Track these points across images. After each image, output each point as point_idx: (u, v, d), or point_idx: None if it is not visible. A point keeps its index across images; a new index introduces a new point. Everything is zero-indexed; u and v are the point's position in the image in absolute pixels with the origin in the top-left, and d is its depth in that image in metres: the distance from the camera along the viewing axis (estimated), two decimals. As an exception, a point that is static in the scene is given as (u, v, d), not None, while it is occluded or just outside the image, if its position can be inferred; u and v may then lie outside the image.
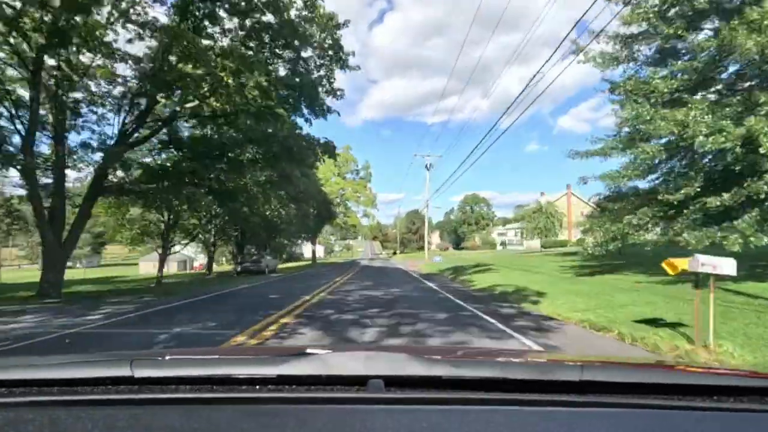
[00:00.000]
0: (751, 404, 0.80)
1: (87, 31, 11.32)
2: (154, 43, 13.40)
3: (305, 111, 15.87)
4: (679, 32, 11.07)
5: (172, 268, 63.21)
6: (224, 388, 0.88)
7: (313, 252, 48.84)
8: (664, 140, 11.50)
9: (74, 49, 12.50)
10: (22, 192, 17.27)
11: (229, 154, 16.71)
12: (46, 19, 11.06)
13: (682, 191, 10.28)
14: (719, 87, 11.51)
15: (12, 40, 11.95)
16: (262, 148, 16.70)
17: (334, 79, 15.67)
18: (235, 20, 14.00)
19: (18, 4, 10.82)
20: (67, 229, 14.86)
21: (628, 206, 12.70)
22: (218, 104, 14.15)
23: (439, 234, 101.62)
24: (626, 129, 12.89)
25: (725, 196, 9.39)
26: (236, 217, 22.88)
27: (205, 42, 13.47)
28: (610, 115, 14.00)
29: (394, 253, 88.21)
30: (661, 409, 0.79)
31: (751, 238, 8.90)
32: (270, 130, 15.83)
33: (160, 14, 13.72)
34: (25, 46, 12.41)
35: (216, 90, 13.28)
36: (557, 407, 0.79)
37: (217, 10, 13.51)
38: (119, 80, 14.65)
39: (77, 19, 10.95)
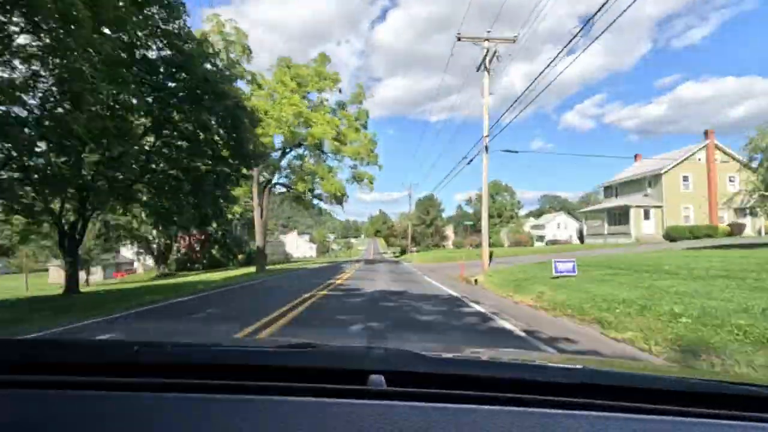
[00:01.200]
0: (753, 413, 0.79)
1: None
2: None
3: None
4: None
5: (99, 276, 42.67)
6: (227, 378, 0.88)
7: (259, 249, 26.47)
8: None
9: None
10: None
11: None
12: None
13: None
14: None
15: None
16: None
17: None
18: None
19: None
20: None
21: None
22: None
23: (453, 229, 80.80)
24: None
25: None
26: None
27: None
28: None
29: (403, 252, 67.26)
30: (661, 414, 0.78)
31: None
32: None
33: None
34: None
35: None
36: (558, 409, 0.79)
37: None
38: None
39: None
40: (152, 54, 10.43)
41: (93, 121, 8.12)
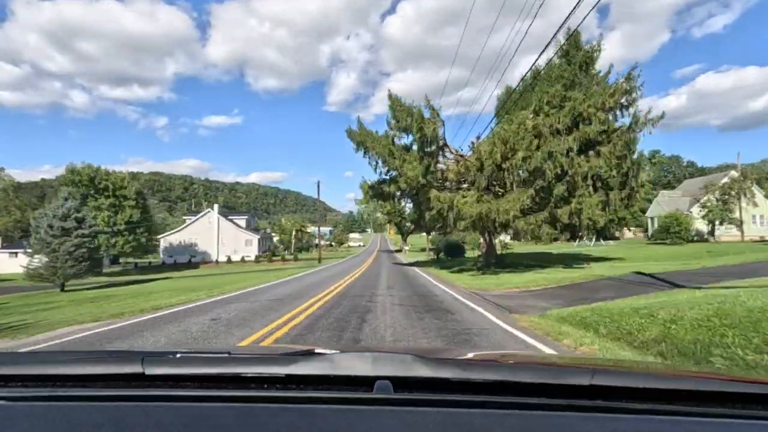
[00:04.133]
0: (764, 412, 0.78)
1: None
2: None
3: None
4: None
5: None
6: (233, 387, 0.89)
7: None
8: None
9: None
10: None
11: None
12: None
13: None
14: None
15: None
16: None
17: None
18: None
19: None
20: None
21: None
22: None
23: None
24: None
25: None
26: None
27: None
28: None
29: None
30: (671, 415, 0.77)
31: None
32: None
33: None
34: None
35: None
36: (566, 411, 0.78)
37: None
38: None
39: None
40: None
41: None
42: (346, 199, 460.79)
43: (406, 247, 62.44)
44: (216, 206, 51.16)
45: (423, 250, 64.68)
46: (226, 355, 1.14)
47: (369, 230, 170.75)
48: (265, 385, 0.89)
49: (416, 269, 23.79)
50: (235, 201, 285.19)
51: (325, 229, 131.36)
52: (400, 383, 0.85)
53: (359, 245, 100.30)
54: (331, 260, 42.76)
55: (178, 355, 1.05)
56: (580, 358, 2.17)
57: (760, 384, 0.87)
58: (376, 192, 24.17)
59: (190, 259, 48.15)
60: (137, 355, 1.00)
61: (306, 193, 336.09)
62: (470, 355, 1.39)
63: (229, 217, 53.26)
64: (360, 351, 1.08)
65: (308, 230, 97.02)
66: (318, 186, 41.29)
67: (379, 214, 63.89)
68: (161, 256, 51.07)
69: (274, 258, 47.17)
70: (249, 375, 0.91)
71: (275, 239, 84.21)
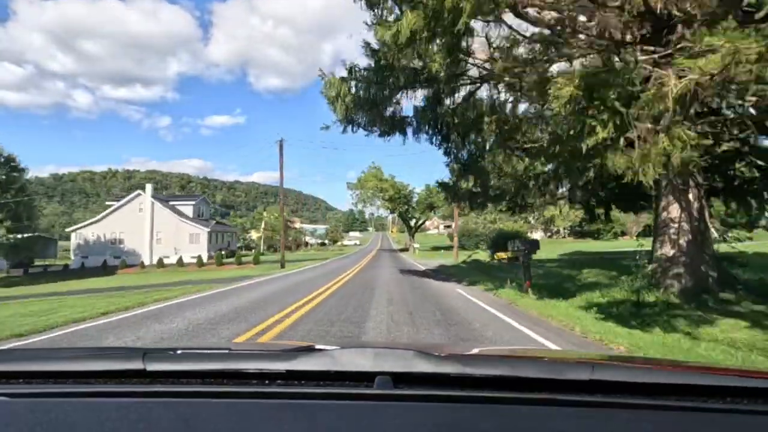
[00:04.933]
0: (764, 406, 0.78)
1: None
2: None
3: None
4: None
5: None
6: (234, 383, 0.89)
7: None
8: None
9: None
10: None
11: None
12: None
13: None
14: None
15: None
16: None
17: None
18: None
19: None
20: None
21: None
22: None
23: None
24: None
25: None
26: None
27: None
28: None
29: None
30: (671, 410, 0.77)
31: None
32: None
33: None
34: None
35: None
36: (566, 407, 0.78)
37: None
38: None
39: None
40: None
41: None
42: (346, 199, 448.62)
43: (416, 245, 47.80)
44: (149, 187, 36.69)
45: (435, 249, 50.55)
46: (227, 351, 1.13)
47: (370, 229, 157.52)
48: (266, 381, 0.88)
49: (511, 306, 9.57)
50: (234, 199, 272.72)
51: (321, 228, 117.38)
52: (401, 379, 0.84)
53: (355, 243, 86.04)
54: (307, 263, 28.62)
55: (179, 352, 1.04)
56: (580, 354, 2.24)
57: (759, 378, 0.86)
58: (361, 99, 9.78)
59: (104, 262, 33.79)
60: (138, 351, 0.98)
61: (307, 191, 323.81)
62: (471, 351, 1.37)
63: (170, 203, 38.79)
64: (361, 347, 1.04)
65: (296, 226, 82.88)
66: (281, 148, 26.03)
67: (378, 203, 49.34)
68: (72, 256, 36.82)
69: (226, 261, 32.75)
70: (250, 371, 0.90)
71: (255, 236, 70.06)
